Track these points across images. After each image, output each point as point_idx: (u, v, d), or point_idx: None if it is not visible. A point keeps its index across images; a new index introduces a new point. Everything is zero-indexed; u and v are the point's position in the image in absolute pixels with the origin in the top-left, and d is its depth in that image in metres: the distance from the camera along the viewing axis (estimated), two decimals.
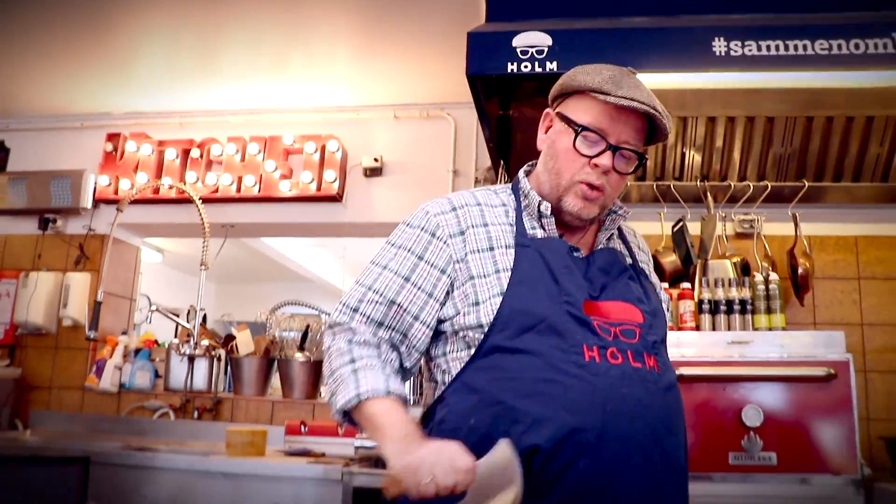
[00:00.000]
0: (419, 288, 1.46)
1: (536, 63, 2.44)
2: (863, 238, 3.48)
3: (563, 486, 1.28)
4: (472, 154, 3.79)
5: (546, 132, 1.58)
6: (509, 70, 2.43)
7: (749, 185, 3.33)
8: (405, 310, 1.45)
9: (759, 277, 3.00)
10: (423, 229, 1.51)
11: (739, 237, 3.46)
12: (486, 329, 1.40)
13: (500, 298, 1.40)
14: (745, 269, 3.27)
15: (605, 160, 1.46)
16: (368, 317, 1.45)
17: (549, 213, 1.51)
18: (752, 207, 3.39)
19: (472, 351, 1.41)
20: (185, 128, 4.06)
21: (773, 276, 3.00)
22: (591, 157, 1.46)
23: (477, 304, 1.42)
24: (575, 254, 1.50)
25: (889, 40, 2.38)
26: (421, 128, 3.88)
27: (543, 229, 1.52)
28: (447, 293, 1.47)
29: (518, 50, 2.45)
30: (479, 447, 1.25)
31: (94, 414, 3.80)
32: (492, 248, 1.48)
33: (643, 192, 3.46)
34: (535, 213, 1.52)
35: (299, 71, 3.70)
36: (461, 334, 1.44)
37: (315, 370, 3.70)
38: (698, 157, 3.30)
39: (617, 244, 1.62)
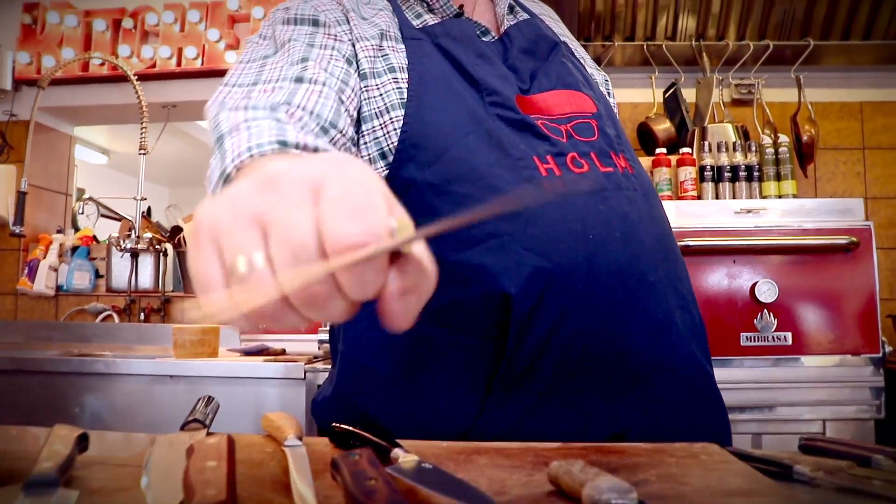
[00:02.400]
0: (324, 69, 0.95)
1: None
2: (868, 104, 3.19)
3: (551, 356, 0.88)
4: None
5: None
6: None
7: (749, 45, 3.00)
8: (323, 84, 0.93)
9: (766, 140, 2.70)
10: (299, 21, 1.01)
11: (737, 104, 3.15)
12: (390, 159, 0.96)
13: (402, 112, 0.96)
14: (745, 136, 2.97)
15: None
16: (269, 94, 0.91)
17: None
18: (751, 71, 3.07)
19: None
20: None
21: (783, 139, 2.69)
22: None
23: (371, 120, 0.97)
24: (485, 38, 1.09)
25: None
26: None
27: (433, 13, 1.09)
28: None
29: None
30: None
31: (30, 320, 3.43)
32: (379, 39, 1.02)
33: (631, 54, 3.11)
34: None
35: None
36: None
37: None
38: (693, 15, 2.95)
39: (522, 15, 1.19)
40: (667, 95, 3.05)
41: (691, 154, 2.67)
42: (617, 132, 1.06)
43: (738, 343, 2.24)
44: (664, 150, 2.72)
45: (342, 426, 0.73)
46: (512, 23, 1.13)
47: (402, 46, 1.01)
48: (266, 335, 3.04)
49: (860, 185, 3.15)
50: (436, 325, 0.90)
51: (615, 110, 1.23)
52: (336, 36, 0.99)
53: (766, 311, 2.24)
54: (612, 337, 0.90)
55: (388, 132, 0.96)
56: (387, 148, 0.96)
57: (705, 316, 2.36)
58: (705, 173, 2.65)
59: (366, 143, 0.97)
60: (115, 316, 3.35)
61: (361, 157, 0.97)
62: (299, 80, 0.90)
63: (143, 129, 3.22)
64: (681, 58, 3.07)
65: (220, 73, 3.30)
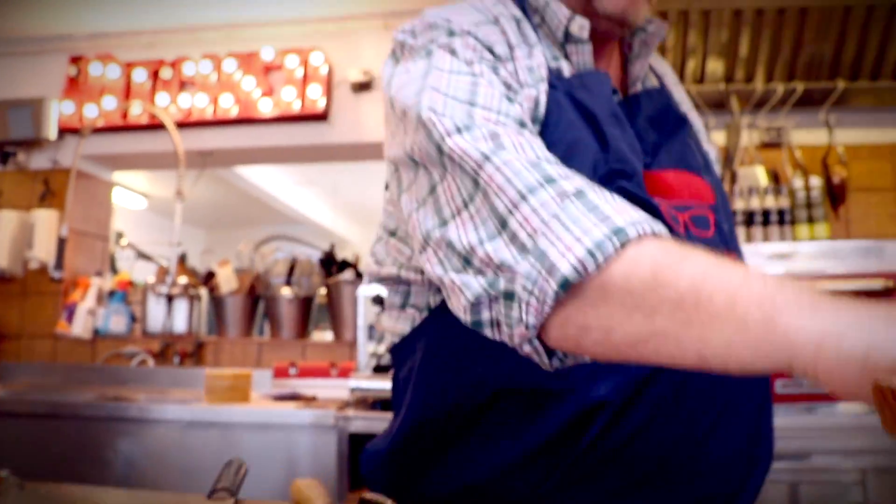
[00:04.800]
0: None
1: None
2: None
3: (625, 461, 0.85)
4: None
5: None
6: None
7: (777, 88, 3.00)
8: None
9: (797, 184, 2.69)
10: (471, 47, 0.90)
11: (767, 147, 3.13)
12: None
13: None
14: (775, 180, 2.97)
15: None
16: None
17: (585, 34, 0.96)
18: (781, 113, 3.07)
19: None
20: (155, 47, 3.67)
21: (815, 181, 2.68)
22: None
23: None
24: (614, 96, 0.98)
25: None
26: None
27: (568, 59, 0.98)
28: None
29: None
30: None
31: (67, 363, 3.49)
32: (535, 84, 0.92)
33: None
34: (557, 36, 0.98)
35: None
36: None
37: (303, 307, 3.40)
38: (722, 59, 2.96)
39: (651, 77, 1.11)
40: None
41: None
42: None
43: (773, 389, 2.21)
44: None
45: (369, 497, 0.71)
46: (642, 89, 1.07)
47: (545, 89, 0.92)
48: (297, 380, 3.06)
49: (893, 225, 3.12)
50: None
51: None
52: (509, 79, 0.91)
53: None
54: (691, 454, 0.88)
55: None
56: None
57: None
58: (737, 218, 2.64)
59: None
60: (149, 359, 3.40)
61: None
62: (522, 124, 0.83)
63: (181, 175, 3.29)
64: (710, 101, 3.07)
65: (255, 121, 3.40)
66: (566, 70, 0.97)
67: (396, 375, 1.07)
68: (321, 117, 3.43)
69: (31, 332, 3.59)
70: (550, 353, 0.72)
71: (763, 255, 2.35)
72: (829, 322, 0.53)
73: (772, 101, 3.01)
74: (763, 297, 0.56)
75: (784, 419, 2.20)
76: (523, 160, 0.73)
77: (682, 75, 3.06)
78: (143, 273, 4.07)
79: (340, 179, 6.18)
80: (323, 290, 3.42)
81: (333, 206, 7.42)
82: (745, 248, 2.46)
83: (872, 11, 2.74)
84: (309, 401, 2.79)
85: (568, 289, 0.65)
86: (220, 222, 7.56)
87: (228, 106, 3.45)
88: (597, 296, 0.65)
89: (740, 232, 2.64)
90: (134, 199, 6.47)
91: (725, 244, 0.96)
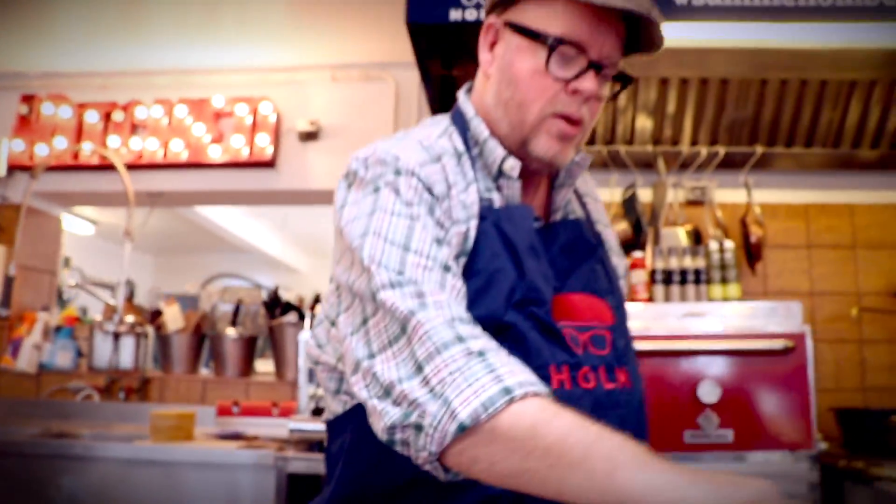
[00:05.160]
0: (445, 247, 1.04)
1: (482, 10, 2.26)
2: (813, 206, 3.42)
3: None
4: (414, 117, 3.59)
5: (491, 50, 1.18)
6: (452, 18, 2.25)
7: (701, 150, 3.22)
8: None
9: (713, 246, 2.90)
10: (410, 176, 1.06)
11: (691, 205, 3.35)
12: None
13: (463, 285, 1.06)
14: (696, 238, 3.17)
15: (589, 83, 1.09)
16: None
17: (515, 174, 1.14)
18: (704, 174, 3.29)
19: None
20: (108, 89, 3.76)
21: (728, 245, 2.89)
22: (568, 81, 1.09)
23: None
24: (535, 223, 1.16)
25: None
26: (360, 89, 3.67)
27: (500, 192, 1.15)
28: None
29: None
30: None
31: (10, 397, 3.53)
32: (467, 223, 1.09)
33: (592, 156, 3.32)
34: (492, 170, 1.15)
35: (230, 28, 3.45)
36: None
37: (248, 347, 3.51)
38: (650, 122, 3.17)
39: (573, 201, 1.29)
40: (625, 197, 3.25)
41: (643, 259, 2.86)
42: (626, 342, 1.19)
43: (682, 440, 2.40)
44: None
45: None
46: (561, 217, 1.23)
47: (475, 224, 1.09)
48: (240, 418, 3.16)
49: (806, 281, 3.35)
50: None
51: (625, 293, 1.35)
52: (442, 218, 1.07)
53: (708, 409, 2.40)
54: None
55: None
56: None
57: (652, 414, 2.53)
58: (656, 276, 2.84)
59: None
60: (95, 395, 3.46)
61: None
62: (446, 268, 1.00)
63: (130, 216, 3.38)
64: (639, 161, 3.28)
65: (205, 166, 3.51)
66: (497, 201, 1.14)
67: (329, 447, 1.22)
68: (269, 164, 3.56)
69: None
70: (446, 469, 0.89)
71: (677, 314, 2.55)
72: (653, 479, 0.74)
73: (696, 163, 3.23)
74: (609, 454, 0.77)
75: (692, 466, 2.38)
76: (441, 319, 0.91)
77: (612, 136, 3.26)
78: (90, 301, 4.13)
79: (289, 212, 6.29)
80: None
81: (282, 238, 7.51)
82: (662, 307, 2.66)
83: (785, 84, 2.98)
84: (250, 440, 2.89)
85: (464, 431, 0.83)
86: (168, 249, 7.58)
87: (179, 150, 3.56)
88: (486, 438, 0.83)
89: (659, 290, 2.84)
90: (81, 226, 6.47)
91: (618, 360, 1.14)
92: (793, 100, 3.03)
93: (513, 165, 1.14)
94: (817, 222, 3.40)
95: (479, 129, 1.17)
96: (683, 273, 2.83)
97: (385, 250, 0.98)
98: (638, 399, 1.18)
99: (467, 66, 2.74)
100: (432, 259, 1.00)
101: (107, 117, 3.69)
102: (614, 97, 1.20)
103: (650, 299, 2.81)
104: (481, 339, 0.91)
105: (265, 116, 3.58)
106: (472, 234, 1.08)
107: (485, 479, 0.86)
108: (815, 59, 2.75)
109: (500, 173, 1.15)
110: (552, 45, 1.08)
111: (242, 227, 6.87)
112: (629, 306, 2.51)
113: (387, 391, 0.91)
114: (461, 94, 1.25)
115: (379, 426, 0.92)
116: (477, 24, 2.19)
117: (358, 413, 1.08)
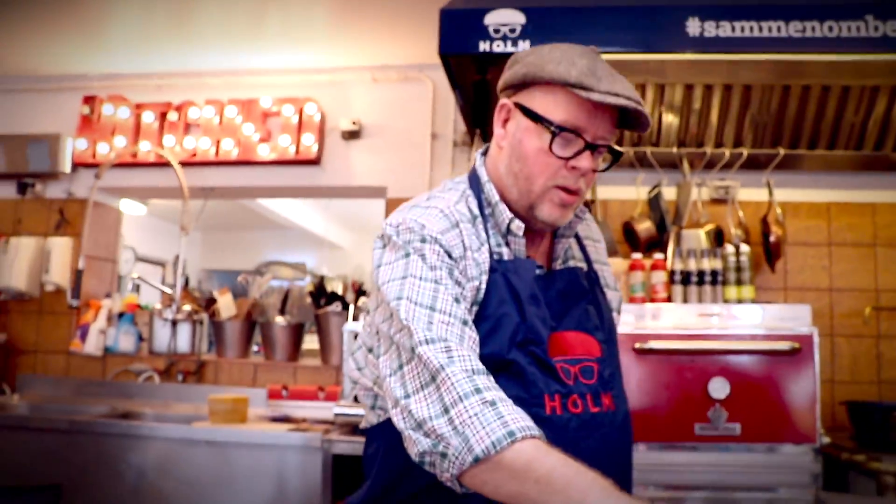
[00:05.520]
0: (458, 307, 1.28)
1: (509, 42, 2.44)
2: (835, 205, 3.53)
3: None
4: (451, 117, 3.78)
5: (504, 126, 1.40)
6: (481, 49, 2.44)
7: (725, 152, 3.36)
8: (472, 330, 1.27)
9: (730, 249, 3.05)
10: (436, 253, 1.29)
11: (714, 203, 3.50)
12: None
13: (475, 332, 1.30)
14: (718, 237, 3.31)
15: (585, 162, 1.31)
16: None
17: (521, 233, 1.37)
18: (728, 174, 3.43)
19: None
20: (163, 90, 4.01)
21: (744, 248, 3.04)
22: (568, 159, 1.31)
23: None
24: (537, 271, 1.40)
25: (862, 23, 2.39)
26: (399, 90, 3.86)
27: (508, 246, 1.38)
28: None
29: (490, 28, 2.45)
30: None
31: (80, 378, 3.85)
32: (479, 277, 1.32)
33: (588, 210, 3.46)
34: (501, 228, 1.38)
35: (276, 32, 3.65)
36: None
37: (295, 333, 3.76)
38: (676, 123, 3.31)
39: (573, 247, 1.52)
40: (650, 196, 3.40)
41: (664, 260, 3.03)
42: (612, 371, 1.41)
43: (693, 432, 2.59)
44: (640, 255, 3.08)
45: None
46: (560, 263, 1.47)
47: (486, 279, 1.32)
48: (288, 401, 3.42)
49: (826, 278, 3.48)
50: None
51: (618, 322, 1.58)
52: (459, 277, 1.31)
53: (718, 404, 2.59)
54: None
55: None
56: None
57: (665, 407, 2.74)
58: (675, 277, 3.00)
59: None
60: (155, 376, 3.76)
61: None
62: (464, 322, 1.25)
63: (184, 212, 3.64)
64: (664, 161, 3.42)
65: (254, 163, 3.75)
66: (506, 254, 1.38)
67: (366, 450, 1.49)
68: (314, 162, 3.79)
69: (46, 348, 3.94)
70: (462, 486, 1.16)
71: (693, 314, 2.73)
72: None
73: (721, 164, 3.37)
74: (584, 486, 1.03)
75: (702, 456, 2.59)
76: (464, 373, 1.17)
77: (639, 138, 3.41)
78: (148, 288, 4.41)
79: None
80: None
81: (326, 217, 7.75)
82: (680, 307, 2.83)
83: (808, 90, 3.09)
84: (299, 423, 3.15)
85: (478, 461, 1.09)
86: (215, 227, 7.87)
87: (229, 148, 3.80)
88: (493, 467, 1.09)
89: (678, 290, 3.00)
90: (134, 207, 6.77)
91: (603, 387, 1.37)
92: (815, 104, 3.14)
93: (518, 226, 1.37)
94: (839, 220, 3.52)
95: (492, 193, 1.40)
96: (701, 274, 2.99)
97: (416, 312, 1.23)
98: (621, 418, 1.40)
99: (498, 70, 2.90)
100: (453, 316, 1.24)
101: (162, 117, 3.94)
102: (607, 168, 1.42)
103: (669, 298, 2.99)
104: (492, 391, 1.16)
105: (310, 116, 3.79)
106: (483, 286, 1.33)
107: (491, 496, 1.12)
108: (837, 68, 2.81)
109: (509, 231, 1.38)
110: (554, 131, 1.30)
111: (286, 207, 7.12)
112: (649, 306, 2.71)
113: (419, 425, 1.16)
114: (478, 158, 1.48)
115: (413, 451, 1.17)
116: (503, 55, 2.38)
117: (389, 425, 1.32)
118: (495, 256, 1.36)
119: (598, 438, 1.33)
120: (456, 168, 3.70)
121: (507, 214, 1.37)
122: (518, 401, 1.20)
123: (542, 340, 1.32)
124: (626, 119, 1.34)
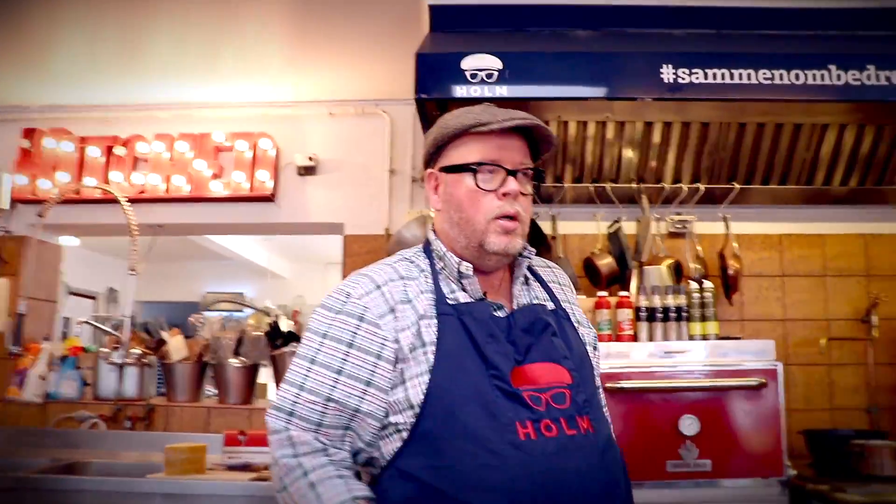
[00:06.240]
0: (354, 379, 1.38)
1: (486, 88, 2.43)
2: (787, 237, 3.64)
3: None
4: (409, 152, 3.75)
5: (436, 191, 1.55)
6: (458, 94, 2.42)
7: (683, 187, 3.41)
8: (343, 405, 1.37)
9: (693, 285, 3.08)
10: (348, 314, 1.41)
11: (672, 236, 3.55)
12: (416, 411, 1.36)
13: (428, 377, 1.37)
14: (677, 270, 3.35)
15: (512, 185, 1.45)
16: (306, 419, 1.37)
17: (471, 272, 1.48)
18: (685, 208, 3.48)
19: (405, 434, 1.37)
20: (109, 123, 3.87)
21: (707, 284, 3.08)
22: (496, 189, 1.45)
23: (410, 379, 1.38)
24: (496, 312, 1.47)
25: (826, 72, 2.46)
26: (356, 125, 3.81)
27: (465, 290, 1.49)
28: (390, 376, 1.40)
29: (468, 73, 2.43)
30: None
31: (18, 427, 3.63)
32: (418, 322, 1.41)
33: (579, 192, 3.50)
34: (454, 274, 1.48)
35: (229, 65, 3.57)
36: (392, 417, 1.39)
37: (249, 374, 3.64)
38: (635, 159, 3.35)
39: (536, 289, 1.61)
40: (610, 231, 3.43)
41: (628, 297, 3.04)
42: (587, 396, 1.45)
43: (665, 469, 2.60)
44: (605, 293, 3.09)
45: None
46: (518, 305, 1.53)
47: (436, 322, 1.41)
48: (246, 447, 3.30)
49: (780, 308, 3.57)
50: None
51: (597, 358, 1.64)
52: (365, 350, 1.40)
53: (688, 441, 2.61)
54: None
55: (417, 391, 1.37)
56: (415, 401, 1.37)
57: (637, 445, 2.74)
58: (640, 314, 3.01)
59: (398, 400, 1.38)
60: (101, 423, 3.58)
61: (398, 407, 1.38)
62: (329, 399, 1.38)
63: (133, 251, 3.49)
64: (624, 197, 3.46)
65: (206, 200, 3.63)
66: (462, 298, 1.48)
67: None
68: (269, 199, 3.70)
69: None
70: None
71: (660, 352, 2.75)
72: None
73: (678, 199, 3.42)
74: None
75: (674, 493, 2.61)
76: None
77: (599, 174, 3.44)
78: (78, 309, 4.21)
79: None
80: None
81: (268, 246, 7.62)
82: (646, 346, 2.85)
83: (762, 127, 3.17)
84: (259, 470, 3.04)
85: None
86: (152, 257, 7.63)
87: (181, 184, 3.68)
88: None
89: (643, 327, 3.02)
90: (66, 238, 6.53)
91: (579, 411, 1.41)
92: (769, 141, 3.24)
93: (467, 266, 1.48)
94: (790, 252, 3.62)
95: (437, 245, 1.53)
96: (666, 310, 3.01)
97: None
98: (602, 440, 1.43)
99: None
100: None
101: (108, 151, 3.80)
102: (537, 191, 1.53)
103: (635, 335, 3.00)
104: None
105: (265, 151, 3.71)
106: (426, 329, 1.41)
107: None
108: (789, 107, 2.94)
109: (461, 275, 1.48)
110: (474, 168, 1.45)
111: (228, 239, 6.97)
112: (616, 345, 2.71)
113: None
114: (429, 233, 1.59)
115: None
116: (481, 100, 2.37)
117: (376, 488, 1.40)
118: (450, 301, 1.45)
119: (580, 460, 1.36)
120: (415, 204, 3.67)
121: (455, 259, 1.48)
122: (491, 429, 1.32)
123: (503, 373, 1.38)
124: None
